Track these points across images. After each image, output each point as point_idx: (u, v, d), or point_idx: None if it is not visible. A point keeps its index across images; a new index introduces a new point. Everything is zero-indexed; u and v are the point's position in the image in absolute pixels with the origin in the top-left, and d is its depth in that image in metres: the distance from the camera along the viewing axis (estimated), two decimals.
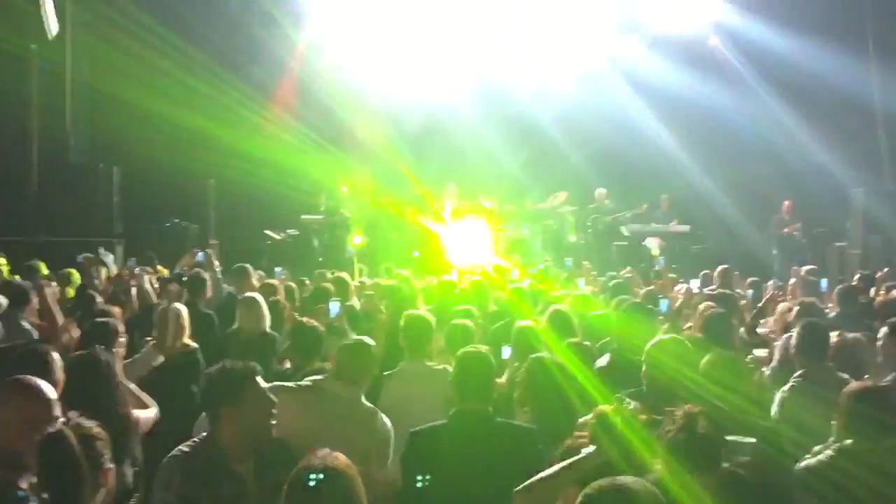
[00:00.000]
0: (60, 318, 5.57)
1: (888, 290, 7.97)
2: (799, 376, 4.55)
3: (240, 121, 14.57)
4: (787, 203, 14.42)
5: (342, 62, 15.12)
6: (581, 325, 5.82)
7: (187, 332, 5.18)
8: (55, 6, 12.30)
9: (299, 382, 3.96)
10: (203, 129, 14.30)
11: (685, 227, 14.64)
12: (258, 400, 3.00)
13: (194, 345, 5.26)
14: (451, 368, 3.95)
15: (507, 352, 4.92)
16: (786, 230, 14.22)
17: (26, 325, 5.69)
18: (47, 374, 3.23)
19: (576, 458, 2.62)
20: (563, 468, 2.66)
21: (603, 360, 4.93)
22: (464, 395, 3.60)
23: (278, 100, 15.56)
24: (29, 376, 2.91)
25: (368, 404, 3.91)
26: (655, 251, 14.06)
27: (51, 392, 2.86)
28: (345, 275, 8.54)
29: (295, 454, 3.04)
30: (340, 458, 2.48)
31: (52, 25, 12.44)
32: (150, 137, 13.58)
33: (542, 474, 2.73)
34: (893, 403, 3.59)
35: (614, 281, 8.00)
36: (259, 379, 3.06)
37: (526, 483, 2.76)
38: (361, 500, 2.43)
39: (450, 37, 15.68)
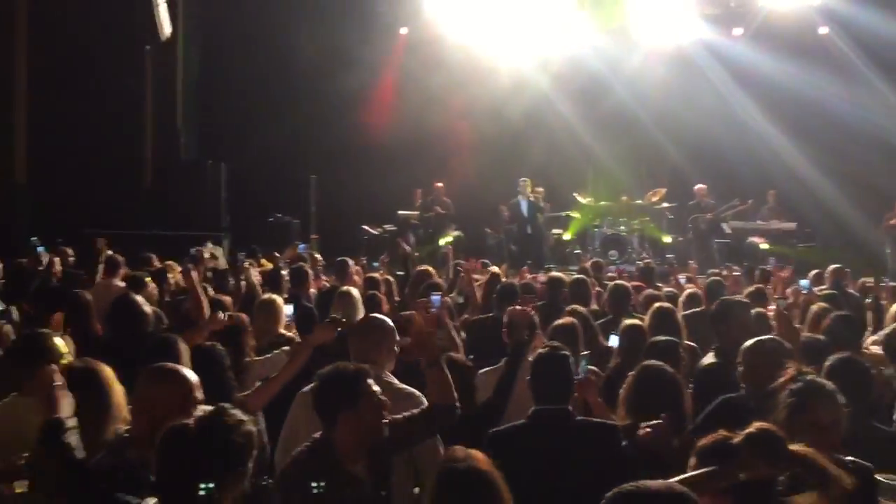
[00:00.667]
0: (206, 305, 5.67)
1: None
2: None
3: (340, 118, 14.90)
4: None
5: (440, 58, 15.23)
6: (684, 323, 5.71)
7: (283, 323, 5.33)
8: (168, 8, 12.87)
9: None
10: (305, 126, 14.71)
11: (791, 225, 14.10)
12: (372, 401, 3.02)
13: (289, 334, 5.39)
14: None
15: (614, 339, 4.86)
16: None
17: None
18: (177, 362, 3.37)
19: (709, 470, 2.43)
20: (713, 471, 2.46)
21: (708, 359, 4.82)
22: (541, 395, 3.56)
23: (377, 97, 15.82)
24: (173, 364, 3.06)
25: (401, 385, 3.80)
26: (764, 246, 13.59)
27: (194, 377, 3.01)
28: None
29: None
30: (479, 457, 2.45)
31: (166, 27, 13.01)
32: (256, 135, 14.05)
33: (694, 474, 2.51)
34: None
35: (713, 278, 7.77)
36: (370, 380, 3.07)
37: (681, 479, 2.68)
38: (505, 501, 2.41)
39: (546, 29, 15.59)
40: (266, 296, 5.87)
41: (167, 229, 12.40)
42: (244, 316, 5.06)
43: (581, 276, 7.56)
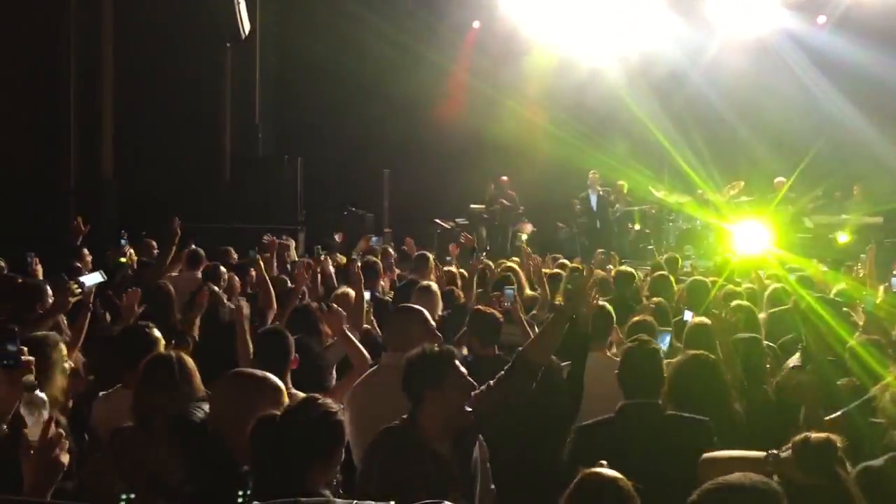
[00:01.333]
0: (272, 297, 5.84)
1: None
2: None
3: (412, 112, 14.99)
4: None
5: (513, 51, 15.19)
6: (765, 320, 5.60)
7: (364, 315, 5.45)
8: (246, 6, 13.14)
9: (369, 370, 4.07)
10: (379, 121, 14.84)
11: (878, 219, 13.57)
12: (457, 382, 3.08)
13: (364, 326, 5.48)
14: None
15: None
16: None
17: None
18: None
19: (785, 454, 2.50)
20: (768, 459, 2.55)
21: (794, 360, 4.69)
22: (631, 389, 3.54)
23: (450, 91, 15.86)
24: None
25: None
26: (843, 240, 13.18)
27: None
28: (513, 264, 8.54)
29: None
30: (620, 476, 2.37)
31: (245, 25, 13.30)
32: (331, 130, 14.25)
33: (742, 453, 2.67)
34: None
35: (797, 274, 7.54)
36: (457, 361, 3.14)
37: (721, 454, 2.72)
38: None
39: (622, 19, 15.37)
40: (341, 289, 5.98)
41: (246, 223, 12.70)
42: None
43: (662, 272, 7.46)
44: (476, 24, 16.05)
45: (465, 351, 5.18)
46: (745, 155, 15.36)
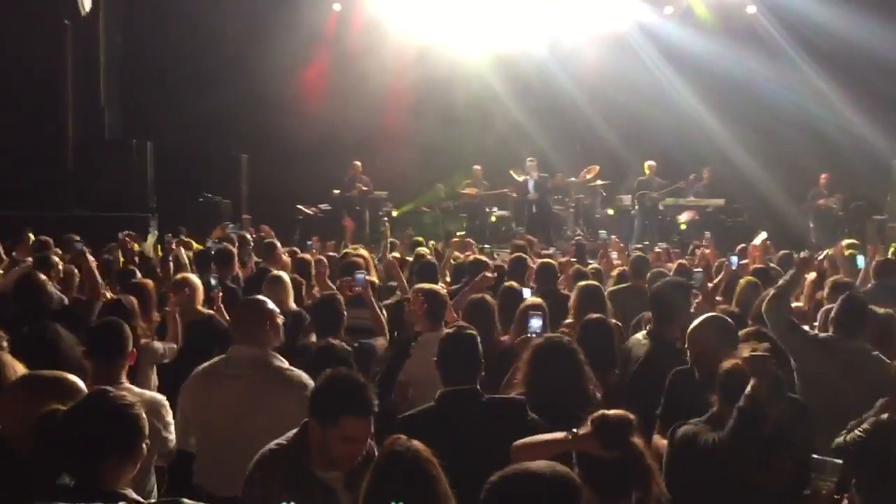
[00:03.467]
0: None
1: None
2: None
3: (271, 97, 14.60)
4: (823, 176, 14.16)
5: (374, 37, 15.06)
6: (610, 299, 5.79)
7: (199, 300, 5.51)
8: None
9: (213, 360, 3.93)
10: (235, 104, 14.36)
11: (720, 201, 14.42)
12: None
13: (207, 312, 5.54)
14: None
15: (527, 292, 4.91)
16: (821, 202, 13.98)
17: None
18: None
19: (583, 431, 2.61)
20: (566, 438, 2.67)
21: (638, 336, 4.87)
22: (449, 375, 3.52)
23: (310, 74, 15.57)
24: None
25: (282, 362, 3.82)
26: (684, 224, 13.95)
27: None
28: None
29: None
30: (421, 446, 2.39)
31: (86, 2, 12.53)
32: (183, 113, 13.65)
33: (547, 437, 2.77)
34: None
35: (637, 254, 7.91)
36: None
37: (528, 440, 2.79)
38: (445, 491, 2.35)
39: (482, 10, 15.55)
40: (180, 275, 5.84)
41: (94, 210, 12.05)
42: (132, 297, 4.96)
43: (519, 253, 7.59)
44: (337, 7, 15.82)
45: (313, 338, 5.12)
46: (600, 142, 15.87)
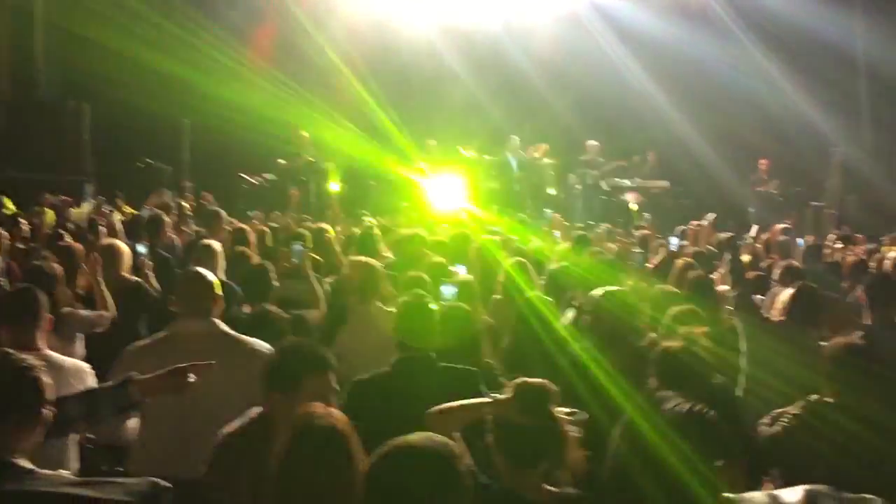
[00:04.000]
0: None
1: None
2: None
3: (216, 64, 14.20)
4: (763, 162, 14.40)
5: (319, 7, 14.77)
6: (546, 276, 5.82)
7: (125, 267, 5.45)
8: None
9: (156, 336, 3.79)
10: (178, 70, 13.94)
11: (664, 183, 14.56)
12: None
13: (134, 279, 5.48)
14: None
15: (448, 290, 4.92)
16: (761, 188, 14.24)
17: None
18: None
19: (499, 397, 2.67)
20: (484, 402, 2.73)
21: (569, 315, 4.89)
22: (405, 342, 3.61)
23: (255, 44, 15.21)
24: None
25: (233, 332, 3.71)
26: (633, 206, 14.04)
27: None
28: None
29: None
30: (339, 416, 2.33)
31: None
32: (123, 77, 13.21)
33: (464, 402, 2.81)
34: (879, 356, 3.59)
35: (577, 233, 7.98)
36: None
37: (442, 406, 2.80)
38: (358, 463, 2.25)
39: None
40: (106, 241, 5.74)
41: (25, 172, 11.66)
42: (56, 266, 4.85)
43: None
44: None
45: (247, 308, 5.03)
46: (550, 118, 15.86)
